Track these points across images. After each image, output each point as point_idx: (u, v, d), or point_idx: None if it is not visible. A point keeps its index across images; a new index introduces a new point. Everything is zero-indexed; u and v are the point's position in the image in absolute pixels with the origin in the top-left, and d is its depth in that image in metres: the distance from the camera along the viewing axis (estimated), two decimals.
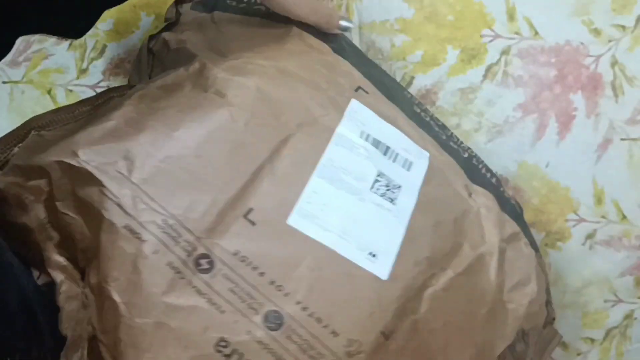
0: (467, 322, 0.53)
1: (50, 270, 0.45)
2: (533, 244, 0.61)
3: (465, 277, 0.53)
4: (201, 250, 0.45)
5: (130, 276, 0.43)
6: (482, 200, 0.58)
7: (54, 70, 0.70)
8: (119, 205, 0.44)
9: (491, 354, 0.54)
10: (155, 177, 0.45)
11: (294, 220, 0.48)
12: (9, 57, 0.70)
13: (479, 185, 0.59)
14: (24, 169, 0.46)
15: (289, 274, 0.46)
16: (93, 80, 0.70)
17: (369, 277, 0.48)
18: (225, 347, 0.44)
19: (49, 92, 0.70)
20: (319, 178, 0.50)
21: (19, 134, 0.50)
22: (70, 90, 0.70)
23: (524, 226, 0.62)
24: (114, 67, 0.70)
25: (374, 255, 0.49)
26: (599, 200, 0.73)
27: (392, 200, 0.52)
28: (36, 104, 0.70)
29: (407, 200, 0.53)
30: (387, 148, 0.54)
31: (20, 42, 0.70)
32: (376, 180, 0.52)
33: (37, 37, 0.70)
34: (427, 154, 0.57)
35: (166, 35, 0.59)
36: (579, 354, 0.76)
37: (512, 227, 0.59)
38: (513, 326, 0.56)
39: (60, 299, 0.44)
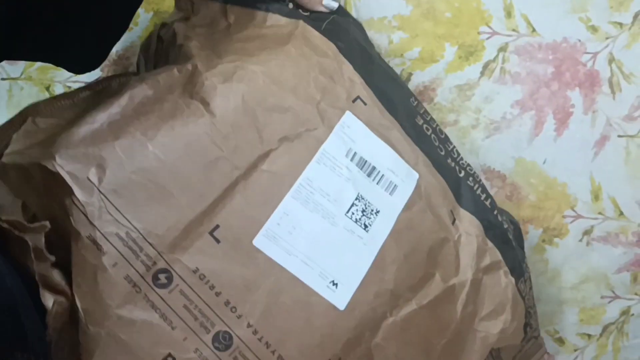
0: (424, 351, 0.53)
1: (41, 291, 0.45)
2: (517, 268, 0.60)
3: (428, 309, 0.53)
4: (161, 265, 0.45)
5: (90, 285, 0.44)
6: (466, 227, 0.57)
7: (52, 67, 0.70)
8: (85, 215, 0.45)
9: None
10: (124, 189, 0.45)
11: (260, 241, 0.48)
12: None
13: (467, 210, 0.59)
14: (10, 168, 0.46)
15: (245, 296, 0.47)
16: (91, 77, 0.70)
17: (326, 306, 0.49)
18: None
19: (47, 88, 0.70)
20: (293, 199, 0.49)
21: (18, 121, 0.50)
22: (69, 87, 0.70)
23: (510, 251, 0.61)
24: (112, 64, 0.70)
25: (335, 285, 0.49)
26: (596, 196, 0.73)
27: (365, 227, 0.51)
28: (35, 101, 0.70)
29: (382, 227, 0.52)
30: (373, 169, 0.53)
31: None
32: (353, 204, 0.51)
33: None
34: (416, 176, 0.56)
35: (177, 26, 0.58)
36: (576, 350, 0.76)
37: (493, 255, 0.59)
38: (481, 353, 0.57)
39: (50, 318, 0.44)
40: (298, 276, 0.48)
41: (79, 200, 0.44)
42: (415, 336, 0.53)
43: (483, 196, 0.61)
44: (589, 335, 0.76)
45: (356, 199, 0.52)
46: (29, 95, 0.70)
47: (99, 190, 0.45)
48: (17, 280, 0.45)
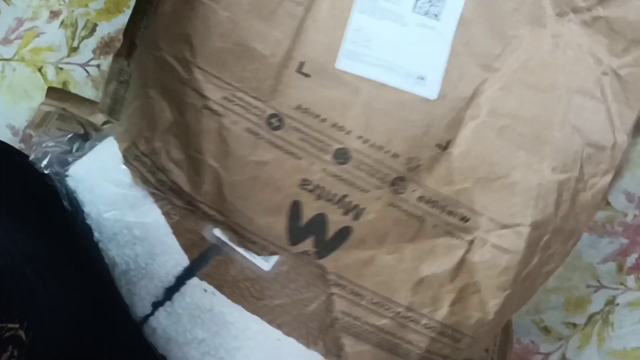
0: (545, 111, 0.53)
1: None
2: None
3: (524, 70, 0.53)
4: (269, 111, 0.52)
5: (220, 145, 0.52)
6: None
7: (45, 48, 0.71)
8: (194, 90, 0.51)
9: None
10: (214, 57, 0.51)
11: (342, 63, 0.52)
12: (1, 34, 0.71)
13: None
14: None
15: (346, 114, 0.52)
16: (84, 58, 0.71)
17: (419, 100, 0.52)
18: (308, 184, 0.53)
19: (39, 69, 0.71)
20: (360, 13, 0.52)
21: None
22: (61, 69, 0.71)
23: None
24: (104, 46, 0.71)
25: (422, 79, 0.52)
26: None
27: (436, 16, 0.53)
28: (27, 82, 0.71)
29: (453, 10, 0.53)
30: None
31: (12, 20, 0.71)
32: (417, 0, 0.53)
33: (30, 14, 0.71)
34: None
35: None
36: (560, 339, 0.77)
37: None
38: None
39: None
40: (386, 82, 0.52)
41: (186, 79, 0.51)
42: (524, 97, 0.53)
43: None
44: (574, 325, 0.76)
45: None
46: (22, 76, 0.71)
47: (197, 65, 0.51)
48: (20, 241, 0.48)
